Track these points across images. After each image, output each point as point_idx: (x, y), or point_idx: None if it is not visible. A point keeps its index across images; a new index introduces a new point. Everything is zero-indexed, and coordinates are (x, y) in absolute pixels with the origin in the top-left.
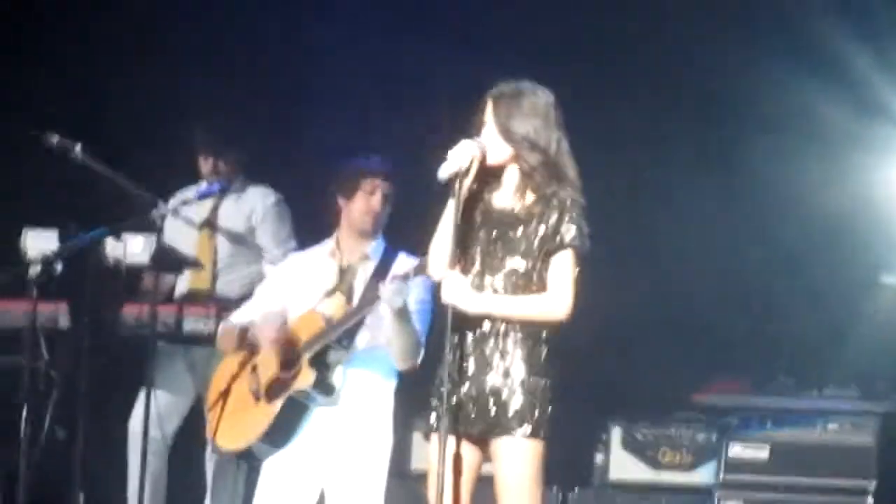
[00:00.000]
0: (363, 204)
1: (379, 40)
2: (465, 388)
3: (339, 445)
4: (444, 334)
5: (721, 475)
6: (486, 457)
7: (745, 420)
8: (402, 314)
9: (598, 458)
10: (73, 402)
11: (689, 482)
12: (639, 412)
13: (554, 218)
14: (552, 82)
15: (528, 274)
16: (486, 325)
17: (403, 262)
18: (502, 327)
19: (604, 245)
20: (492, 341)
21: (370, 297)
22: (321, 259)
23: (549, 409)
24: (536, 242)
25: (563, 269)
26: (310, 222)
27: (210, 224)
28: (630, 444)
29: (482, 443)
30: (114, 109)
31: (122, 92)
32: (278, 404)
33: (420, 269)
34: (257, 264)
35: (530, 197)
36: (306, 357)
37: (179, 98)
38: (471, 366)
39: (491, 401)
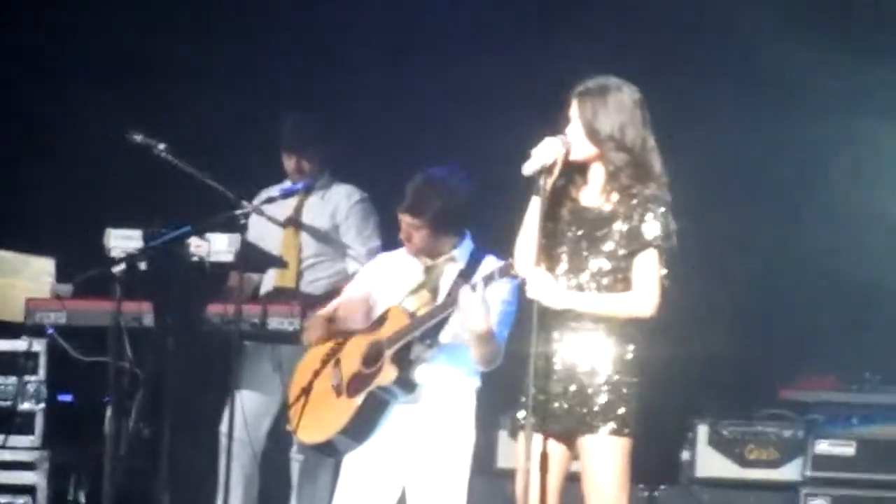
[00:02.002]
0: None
1: (471, 41)
2: (551, 385)
3: (421, 442)
4: (530, 332)
5: (807, 472)
6: (574, 455)
7: (831, 416)
8: (481, 334)
9: (685, 455)
10: (158, 401)
11: (775, 479)
12: (725, 409)
13: (637, 217)
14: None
15: (613, 273)
16: (573, 323)
17: (490, 264)
18: (589, 325)
19: (691, 239)
20: (578, 339)
21: (454, 297)
22: (407, 258)
23: (636, 406)
24: (621, 242)
25: (647, 269)
26: (397, 223)
27: (294, 222)
28: (716, 441)
29: (569, 440)
30: (198, 108)
31: (207, 89)
32: (359, 399)
33: (505, 271)
34: (342, 262)
35: (615, 196)
36: (389, 353)
37: (264, 95)
38: (557, 363)
39: (577, 398)
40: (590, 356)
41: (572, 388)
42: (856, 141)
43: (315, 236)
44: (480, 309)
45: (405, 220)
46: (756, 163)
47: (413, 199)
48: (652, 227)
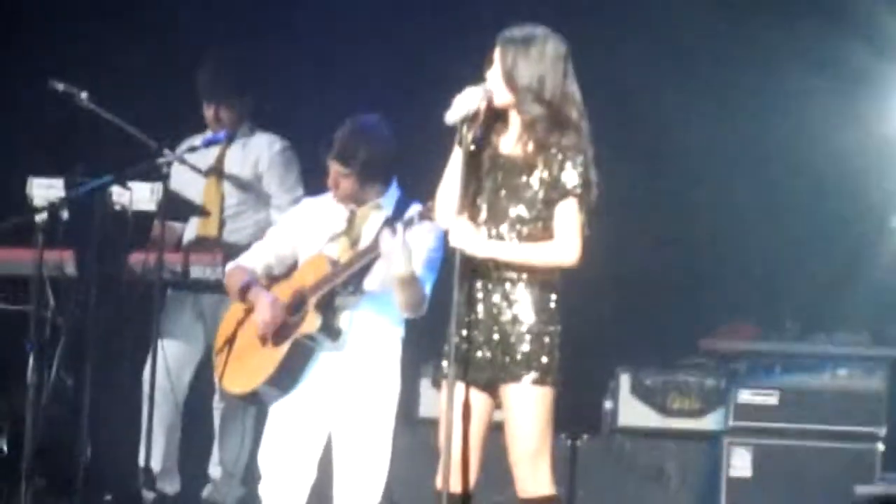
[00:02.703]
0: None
1: None
2: (474, 335)
3: (346, 390)
4: (452, 281)
5: (730, 421)
6: (497, 404)
7: (753, 366)
8: (403, 277)
9: (607, 404)
10: (80, 349)
11: (697, 428)
12: (647, 359)
13: (556, 166)
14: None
15: (533, 222)
16: (495, 273)
17: (413, 210)
18: (511, 274)
19: (611, 192)
20: (500, 288)
21: (377, 242)
22: (332, 204)
23: (558, 355)
24: (540, 190)
25: (567, 218)
26: (320, 170)
27: (217, 171)
28: (639, 391)
29: (492, 390)
30: (119, 56)
31: (127, 38)
32: (284, 348)
33: (424, 215)
34: (265, 211)
35: (532, 145)
36: (312, 301)
37: (184, 45)
38: (480, 313)
39: (499, 348)
40: (512, 305)
41: (495, 336)
42: (774, 92)
43: (237, 185)
44: (401, 252)
45: (333, 167)
46: (678, 119)
47: (341, 147)
48: (571, 176)
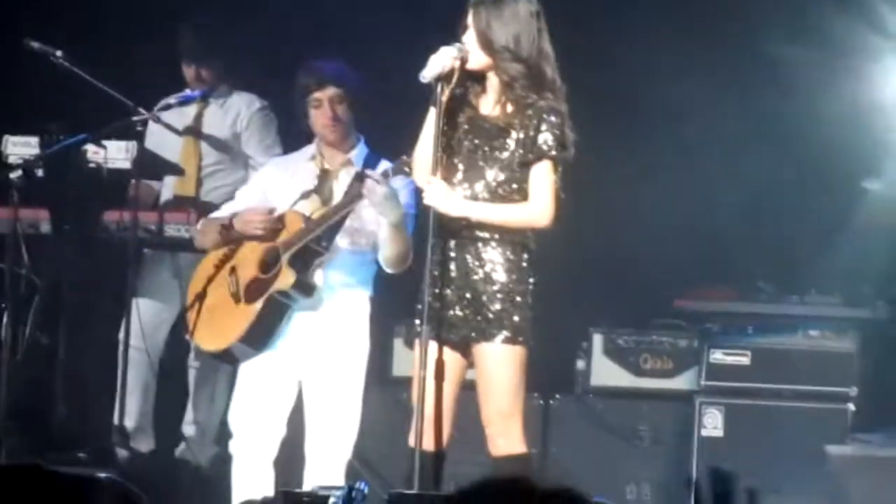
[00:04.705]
0: (316, 120)
1: None
2: (446, 293)
3: (316, 347)
4: (425, 240)
5: (702, 381)
6: (470, 363)
7: (726, 327)
8: (396, 213)
9: (580, 364)
10: (55, 308)
11: (670, 388)
12: (620, 319)
13: (532, 127)
14: None
15: (508, 183)
16: (468, 232)
17: (384, 167)
18: (484, 234)
19: (585, 153)
20: (473, 247)
21: (350, 197)
22: (302, 163)
23: (530, 314)
24: (516, 152)
25: (541, 179)
26: (298, 130)
27: (194, 130)
28: (611, 351)
29: (465, 348)
30: (96, 14)
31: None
32: (258, 305)
33: (398, 169)
34: (243, 171)
35: (511, 106)
36: (286, 257)
37: (163, 5)
38: (453, 272)
39: (471, 307)
40: (484, 264)
41: (467, 295)
42: (749, 58)
43: (215, 145)
44: (392, 198)
45: (327, 94)
46: (661, 84)
47: (331, 71)
48: (546, 138)
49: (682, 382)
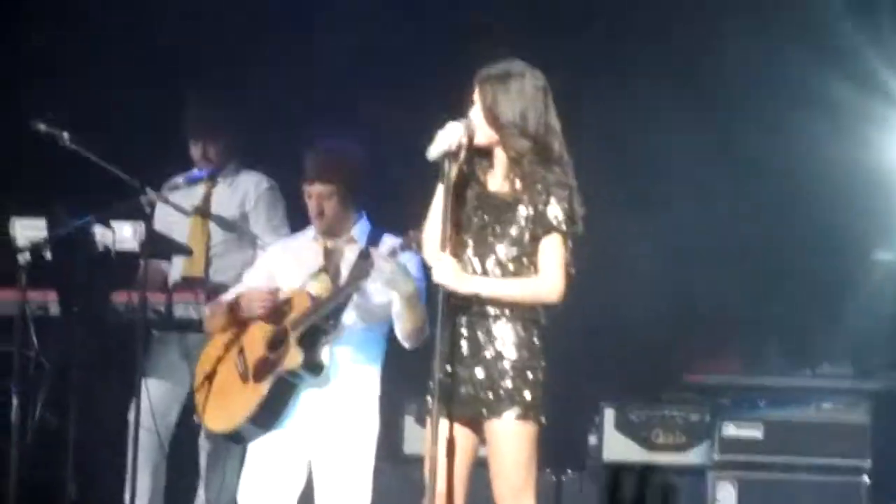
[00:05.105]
0: (308, 207)
1: (370, 23)
2: (458, 370)
3: (325, 426)
4: (435, 317)
5: (715, 455)
6: (482, 440)
7: (737, 400)
8: (407, 288)
9: (592, 439)
10: (64, 391)
11: (682, 462)
12: (631, 393)
13: (541, 201)
14: (544, 61)
15: (519, 259)
16: (479, 308)
17: (389, 242)
18: (494, 310)
19: (597, 226)
20: (484, 324)
21: (357, 275)
22: (305, 243)
23: (541, 392)
24: (526, 227)
25: (551, 253)
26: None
27: (202, 210)
28: (623, 426)
29: (476, 426)
30: (104, 96)
31: (112, 78)
32: (267, 385)
33: (406, 245)
34: (251, 251)
35: (519, 181)
36: (294, 336)
37: (172, 83)
38: (464, 348)
39: (483, 384)
40: (495, 341)
41: (478, 372)
42: (762, 128)
43: (223, 225)
44: (403, 273)
45: (315, 190)
46: (667, 153)
47: (322, 165)
48: (555, 211)
49: (694, 457)
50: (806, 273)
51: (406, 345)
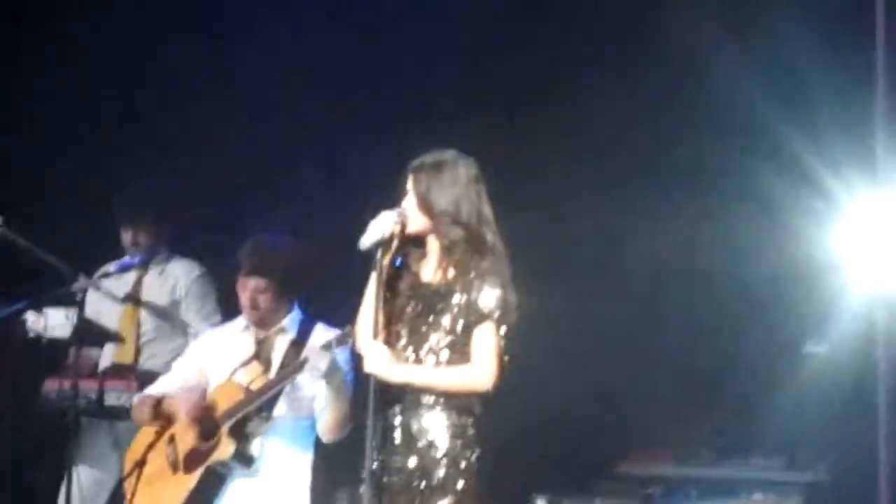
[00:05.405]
0: (240, 298)
1: (309, 105)
2: (391, 459)
3: None
4: (366, 406)
5: None
6: None
7: (669, 491)
8: (337, 382)
9: None
10: None
11: None
12: (563, 485)
13: (474, 290)
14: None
15: (451, 347)
16: (412, 397)
17: (321, 333)
18: (428, 399)
19: (527, 314)
20: (417, 413)
21: (291, 368)
22: (236, 332)
23: (475, 481)
24: (458, 315)
25: (484, 341)
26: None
27: (133, 298)
28: None
29: None
30: (35, 179)
31: (43, 162)
32: (196, 475)
33: (342, 340)
34: (182, 338)
35: (452, 270)
36: (225, 427)
37: (102, 167)
38: (397, 438)
39: (416, 473)
40: (428, 430)
41: (411, 461)
42: (694, 221)
43: (154, 312)
44: (335, 367)
45: (249, 284)
46: (600, 236)
47: (258, 260)
48: (488, 300)
49: None
50: (738, 364)
51: (325, 438)
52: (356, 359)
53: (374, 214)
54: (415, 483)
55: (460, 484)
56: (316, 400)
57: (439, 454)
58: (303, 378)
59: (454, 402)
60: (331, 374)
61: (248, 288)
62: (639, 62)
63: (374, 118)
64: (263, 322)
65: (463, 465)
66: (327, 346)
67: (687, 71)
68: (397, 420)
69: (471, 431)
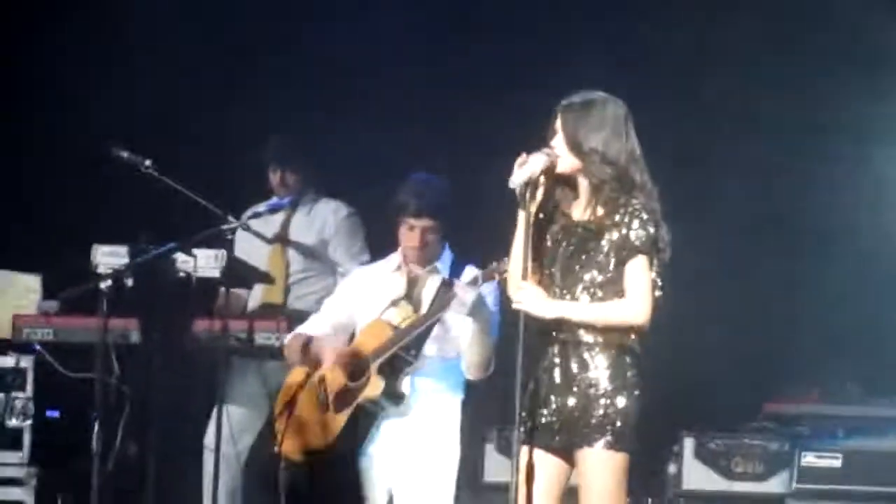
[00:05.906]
0: (405, 239)
1: (443, 49)
2: (548, 399)
3: (406, 455)
4: (517, 345)
5: (794, 484)
6: (573, 467)
7: (817, 429)
8: (482, 318)
9: (671, 468)
10: (145, 417)
11: (761, 491)
12: (711, 423)
13: (625, 226)
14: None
15: (606, 285)
16: (571, 336)
17: (470, 272)
18: (588, 338)
19: (677, 261)
20: (577, 352)
21: (439, 304)
22: (388, 272)
23: (633, 421)
24: (611, 252)
25: (637, 276)
26: (385, 237)
27: (281, 238)
28: (703, 455)
29: (567, 453)
30: (185, 124)
31: (192, 106)
32: (346, 414)
33: (488, 276)
34: (331, 278)
35: (601, 208)
36: (374, 366)
37: (251, 112)
38: (556, 377)
39: (575, 412)
40: (588, 369)
41: (570, 400)
42: (836, 164)
43: (302, 252)
44: (481, 304)
45: (421, 224)
46: (750, 185)
47: (427, 200)
48: (639, 234)
49: (773, 486)
50: (885, 302)
51: (469, 375)
52: (504, 299)
53: (522, 154)
54: (573, 422)
55: (618, 423)
56: (462, 338)
57: (598, 393)
58: (451, 317)
59: (614, 340)
60: (476, 309)
61: (419, 227)
62: None
63: (514, 56)
64: (427, 261)
65: (621, 404)
66: (473, 282)
67: None
68: (557, 359)
69: (630, 371)
